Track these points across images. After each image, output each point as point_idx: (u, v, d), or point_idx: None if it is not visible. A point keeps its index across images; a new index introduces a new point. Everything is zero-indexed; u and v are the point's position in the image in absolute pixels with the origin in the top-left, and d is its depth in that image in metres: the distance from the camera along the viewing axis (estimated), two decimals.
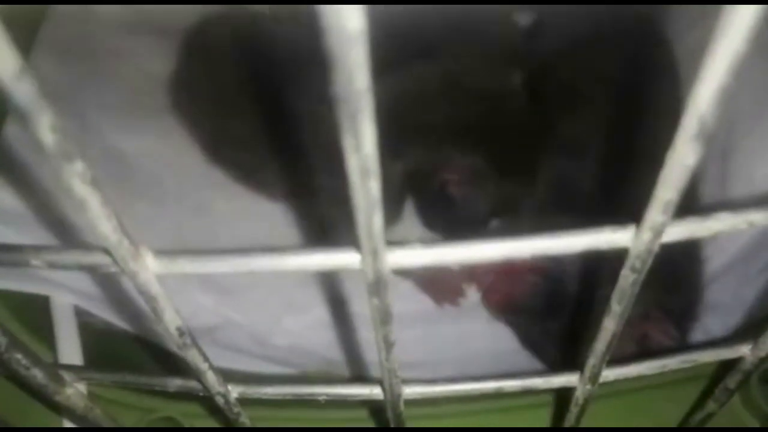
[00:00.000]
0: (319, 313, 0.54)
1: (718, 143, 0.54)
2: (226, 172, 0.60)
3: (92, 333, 0.44)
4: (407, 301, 0.54)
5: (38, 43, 0.58)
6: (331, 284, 0.53)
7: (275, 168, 0.58)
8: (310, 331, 0.53)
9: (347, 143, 0.12)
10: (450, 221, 0.55)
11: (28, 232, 0.46)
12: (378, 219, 0.15)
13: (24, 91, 0.12)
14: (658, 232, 0.16)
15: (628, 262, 0.17)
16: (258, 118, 0.57)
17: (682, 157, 0.13)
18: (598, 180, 0.52)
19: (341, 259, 0.17)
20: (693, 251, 0.50)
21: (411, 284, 0.56)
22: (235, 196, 0.59)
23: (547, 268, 0.51)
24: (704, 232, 0.17)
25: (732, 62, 0.12)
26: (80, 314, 0.44)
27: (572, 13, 0.55)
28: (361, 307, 0.52)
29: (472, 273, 0.56)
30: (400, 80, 0.52)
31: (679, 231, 0.16)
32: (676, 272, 0.48)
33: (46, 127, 0.12)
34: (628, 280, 0.17)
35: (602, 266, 0.46)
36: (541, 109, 0.55)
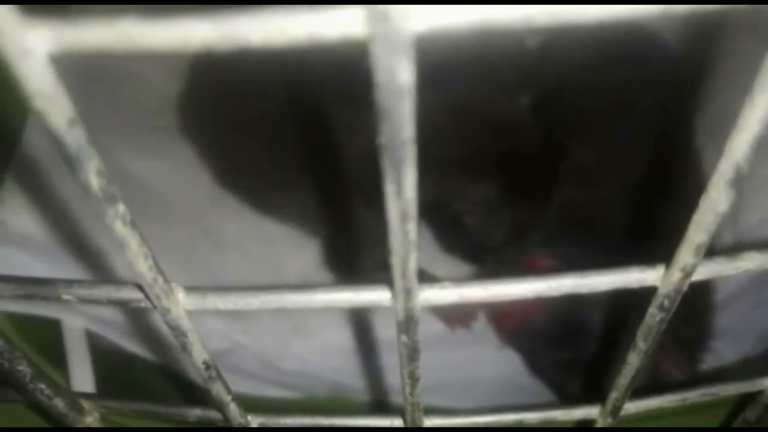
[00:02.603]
0: (327, 336, 0.54)
1: None
2: (234, 194, 0.60)
3: (99, 352, 0.44)
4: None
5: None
6: (340, 308, 0.53)
7: (284, 191, 0.58)
8: (318, 355, 0.53)
9: (389, 189, 0.13)
10: (466, 248, 0.55)
11: (50, 259, 0.46)
12: (413, 260, 0.15)
13: (74, 139, 0.12)
14: (689, 273, 0.16)
15: (656, 301, 0.17)
16: (267, 140, 0.57)
17: (716, 202, 0.14)
18: (609, 205, 0.52)
19: (371, 296, 0.17)
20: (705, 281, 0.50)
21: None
22: (244, 218, 0.59)
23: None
24: (732, 270, 0.17)
25: None
26: (88, 336, 0.44)
27: (581, 34, 0.55)
28: (371, 331, 0.51)
29: None
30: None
31: (707, 270, 0.17)
32: (689, 302, 0.48)
33: (92, 172, 0.13)
34: (655, 318, 0.18)
35: (624, 301, 0.45)
36: (550, 133, 0.55)
